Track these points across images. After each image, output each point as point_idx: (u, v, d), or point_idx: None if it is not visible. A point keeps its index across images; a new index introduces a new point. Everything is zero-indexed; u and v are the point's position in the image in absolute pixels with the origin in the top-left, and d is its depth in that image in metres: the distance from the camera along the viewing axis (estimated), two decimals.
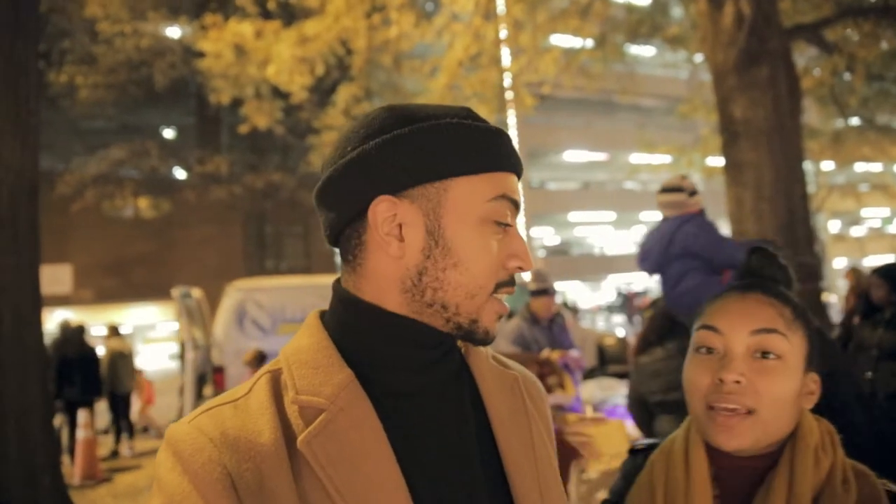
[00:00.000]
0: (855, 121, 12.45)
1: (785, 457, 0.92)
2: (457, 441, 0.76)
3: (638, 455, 1.10)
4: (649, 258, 2.74)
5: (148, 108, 17.42)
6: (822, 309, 5.82)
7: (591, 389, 3.83)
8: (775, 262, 1.05)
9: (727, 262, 2.54)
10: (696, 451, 0.96)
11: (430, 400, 0.76)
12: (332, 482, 0.67)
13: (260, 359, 5.91)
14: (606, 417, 3.36)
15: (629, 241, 32.49)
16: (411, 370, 0.76)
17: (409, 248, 0.74)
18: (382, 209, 0.73)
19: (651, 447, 1.08)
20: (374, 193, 0.74)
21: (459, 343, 0.84)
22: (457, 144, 0.74)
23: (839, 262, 29.54)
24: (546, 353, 3.83)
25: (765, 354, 0.92)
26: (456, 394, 0.79)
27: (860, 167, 19.45)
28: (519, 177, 0.80)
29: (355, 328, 0.77)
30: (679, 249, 2.60)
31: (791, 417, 0.93)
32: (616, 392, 4.06)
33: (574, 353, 3.96)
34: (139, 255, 19.64)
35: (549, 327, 4.26)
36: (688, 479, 0.94)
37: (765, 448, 0.93)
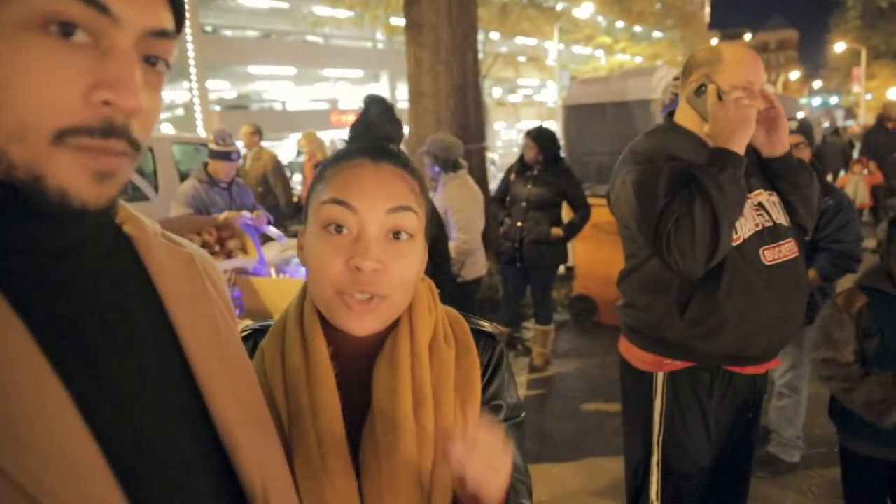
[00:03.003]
0: None
1: (404, 319, 0.92)
2: (125, 337, 0.59)
3: (246, 342, 0.99)
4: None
5: None
6: (485, 166, 6.48)
7: (273, 251, 3.74)
8: (392, 117, 0.95)
9: None
10: (314, 332, 0.90)
11: (83, 290, 0.57)
12: None
13: None
14: (291, 278, 3.33)
15: (311, 97, 31.92)
16: (48, 254, 0.56)
17: None
18: None
19: (258, 331, 1.00)
20: None
21: (119, 220, 0.65)
22: None
23: (499, 125, 33.40)
24: (226, 215, 3.60)
25: (398, 234, 0.88)
26: (116, 281, 0.61)
27: (520, 41, 21.67)
28: None
29: None
30: None
31: (414, 290, 0.93)
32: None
33: (255, 214, 3.79)
34: None
35: (228, 188, 3.99)
36: (307, 363, 0.89)
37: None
